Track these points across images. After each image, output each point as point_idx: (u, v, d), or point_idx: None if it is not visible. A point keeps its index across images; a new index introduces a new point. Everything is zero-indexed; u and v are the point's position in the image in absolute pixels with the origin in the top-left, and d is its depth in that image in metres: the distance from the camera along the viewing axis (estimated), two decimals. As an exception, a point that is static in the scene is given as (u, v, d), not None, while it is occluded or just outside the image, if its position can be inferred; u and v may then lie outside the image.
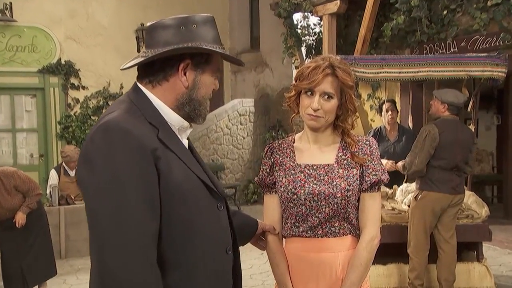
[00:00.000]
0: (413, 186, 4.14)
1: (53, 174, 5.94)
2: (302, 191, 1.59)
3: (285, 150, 1.70)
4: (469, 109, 4.46)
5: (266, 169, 1.71)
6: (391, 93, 6.57)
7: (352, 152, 1.63)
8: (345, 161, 1.63)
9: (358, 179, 1.61)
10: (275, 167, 1.69)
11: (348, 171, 1.61)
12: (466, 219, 4.11)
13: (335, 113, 1.62)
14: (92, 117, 8.49)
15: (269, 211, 1.72)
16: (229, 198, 8.69)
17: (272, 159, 1.70)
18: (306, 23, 7.84)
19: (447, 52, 6.18)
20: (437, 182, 3.73)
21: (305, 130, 1.70)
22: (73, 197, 5.92)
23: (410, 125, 4.90)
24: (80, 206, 5.76)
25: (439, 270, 3.82)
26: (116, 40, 8.67)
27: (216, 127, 8.81)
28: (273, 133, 9.11)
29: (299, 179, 1.62)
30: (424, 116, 6.42)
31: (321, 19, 7.59)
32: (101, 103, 8.59)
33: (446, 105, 3.77)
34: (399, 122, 4.93)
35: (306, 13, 7.71)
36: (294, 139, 1.73)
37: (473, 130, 4.34)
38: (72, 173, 5.91)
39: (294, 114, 1.71)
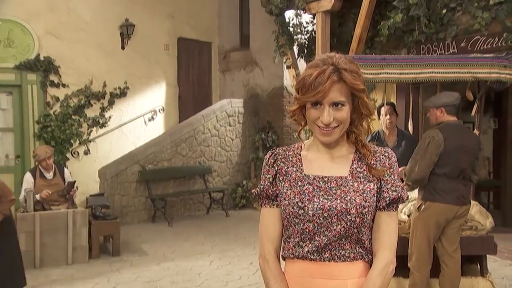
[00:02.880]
0: (413, 194, 3.88)
1: (27, 177, 5.63)
2: (310, 206, 1.42)
3: (290, 159, 1.52)
4: (473, 113, 4.24)
5: (268, 178, 1.52)
6: (387, 95, 6.34)
7: (368, 163, 1.46)
8: (361, 174, 1.46)
9: (376, 195, 1.44)
10: (278, 176, 1.51)
11: (364, 185, 1.44)
12: (469, 230, 3.89)
13: (350, 117, 1.45)
14: (73, 116, 8.11)
15: (268, 227, 1.53)
16: (217, 202, 8.50)
17: (276, 168, 1.52)
18: (299, 21, 7.60)
19: (446, 53, 5.98)
20: (442, 191, 3.51)
21: (314, 138, 1.53)
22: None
23: (410, 129, 4.70)
24: (58, 212, 5.48)
25: (442, 285, 3.60)
26: (99, 36, 8.34)
27: (204, 128, 8.59)
28: (263, 135, 8.94)
29: (307, 191, 1.45)
30: (421, 120, 6.21)
31: (314, 17, 7.40)
32: (82, 102, 8.23)
33: (442, 108, 3.59)
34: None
35: (298, 11, 7.49)
36: (301, 147, 1.55)
37: (477, 135, 4.18)
38: (49, 175, 5.65)
39: (301, 127, 1.54)
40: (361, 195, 1.43)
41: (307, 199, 1.44)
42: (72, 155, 8.14)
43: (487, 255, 4.08)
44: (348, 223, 1.41)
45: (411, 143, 4.52)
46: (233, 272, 5.12)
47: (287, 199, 1.46)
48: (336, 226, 1.41)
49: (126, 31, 8.43)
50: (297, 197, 1.45)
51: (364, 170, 1.46)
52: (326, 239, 1.42)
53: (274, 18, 7.92)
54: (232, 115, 8.95)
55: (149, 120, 9.09)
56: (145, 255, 5.86)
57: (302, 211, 1.43)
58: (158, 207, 7.67)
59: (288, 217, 1.46)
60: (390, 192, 1.45)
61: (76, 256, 5.49)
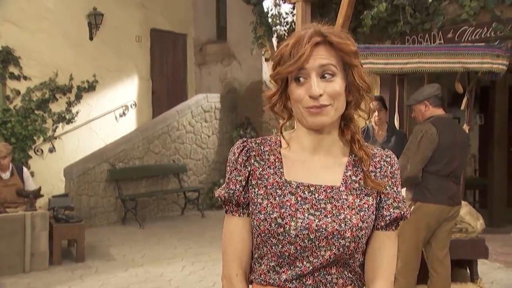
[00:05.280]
0: (399, 194, 3.63)
1: (-20, 177, 5.20)
2: (292, 224, 1.12)
3: (267, 157, 1.19)
4: (462, 107, 4.04)
5: (240, 181, 1.19)
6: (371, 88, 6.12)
7: (365, 171, 1.16)
8: (357, 184, 1.16)
9: (374, 212, 1.16)
10: (251, 180, 1.18)
11: (361, 200, 1.15)
12: (459, 233, 3.73)
13: (346, 98, 1.15)
14: (36, 111, 7.66)
15: (235, 242, 1.20)
16: (192, 202, 8.22)
17: (249, 168, 1.19)
18: (278, 11, 7.37)
19: (432, 45, 5.76)
20: (434, 191, 3.28)
21: (297, 132, 1.20)
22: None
23: (397, 124, 4.54)
24: (14, 215, 5.10)
25: None
26: (64, 26, 7.94)
27: (178, 125, 8.28)
28: (241, 131, 8.72)
29: (289, 204, 1.13)
30: (407, 115, 5.99)
31: (294, 7, 7.13)
32: (47, 95, 7.77)
33: (426, 102, 3.39)
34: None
35: (277, 0, 7.21)
36: (280, 141, 1.22)
37: (467, 131, 4.00)
38: (5, 175, 5.26)
39: (283, 122, 1.21)
40: (357, 214, 1.13)
41: (289, 214, 1.12)
42: (35, 152, 7.70)
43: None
44: (341, 249, 1.12)
45: (401, 139, 4.36)
46: (206, 278, 4.82)
47: (262, 213, 1.14)
48: (325, 251, 1.11)
49: (94, 21, 8.05)
50: (276, 211, 1.13)
51: (360, 179, 1.17)
52: (311, 266, 1.12)
53: (252, 8, 7.64)
54: (208, 110, 8.65)
55: (120, 115, 8.75)
56: (113, 260, 5.52)
57: (282, 229, 1.12)
58: (128, 208, 7.32)
59: (262, 235, 1.15)
60: (391, 210, 1.17)
61: (35, 263, 5.10)
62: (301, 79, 1.11)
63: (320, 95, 1.10)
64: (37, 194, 5.40)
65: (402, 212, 1.18)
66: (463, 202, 4.01)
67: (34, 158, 7.68)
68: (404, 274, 3.30)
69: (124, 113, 8.80)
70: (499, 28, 5.23)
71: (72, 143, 8.10)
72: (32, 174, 6.51)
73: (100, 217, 7.28)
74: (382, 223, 1.17)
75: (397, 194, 1.18)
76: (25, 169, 5.71)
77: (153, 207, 7.99)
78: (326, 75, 1.11)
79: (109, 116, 8.59)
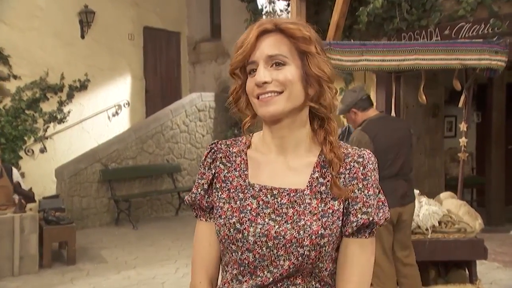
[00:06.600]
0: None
1: (-34, 179, 5.09)
2: (251, 230, 1.07)
3: (233, 158, 1.16)
4: (460, 105, 3.96)
5: (202, 184, 1.16)
6: (367, 87, 6.01)
7: (333, 177, 1.08)
8: (323, 188, 1.09)
9: (341, 217, 1.08)
10: (215, 182, 1.15)
11: (326, 204, 1.08)
12: (457, 233, 3.67)
13: (303, 90, 1.08)
14: (26, 111, 7.56)
15: (203, 248, 1.16)
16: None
17: (213, 170, 1.16)
18: (272, 9, 7.27)
19: (429, 41, 5.68)
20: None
21: (263, 131, 1.16)
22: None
23: None
24: (2, 217, 5.00)
25: None
26: (55, 24, 7.85)
27: (172, 124, 8.18)
28: (235, 131, 8.65)
29: (249, 208, 1.09)
30: (403, 113, 5.92)
31: (288, 4, 7.03)
32: (37, 95, 7.68)
33: (352, 109, 3.31)
34: None
35: None
36: (250, 143, 1.17)
37: (465, 129, 3.95)
38: None
39: (247, 118, 1.15)
40: (319, 220, 1.05)
41: (248, 219, 1.07)
42: (26, 153, 7.61)
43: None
44: (300, 258, 1.05)
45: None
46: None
47: (222, 217, 1.10)
48: (284, 261, 1.05)
49: (86, 19, 7.96)
50: (236, 216, 1.09)
51: (328, 181, 1.10)
52: (271, 277, 1.06)
53: (246, 5, 7.60)
54: (202, 109, 8.55)
55: (113, 115, 8.67)
56: (104, 262, 5.43)
57: (240, 235, 1.07)
58: (121, 209, 7.22)
59: (223, 241, 1.10)
60: (359, 215, 1.07)
61: (24, 266, 5.00)
62: (253, 71, 1.08)
63: (266, 83, 1.06)
64: (31, 197, 5.31)
65: (371, 218, 1.08)
66: (461, 202, 3.96)
67: (24, 158, 7.58)
68: (383, 284, 3.21)
69: (117, 113, 8.71)
70: (497, 24, 5.15)
71: (63, 143, 8.00)
72: (22, 175, 6.41)
73: (93, 219, 7.18)
74: (350, 230, 1.08)
75: (367, 198, 1.09)
76: (14, 170, 5.61)
77: (146, 208, 7.89)
78: (276, 64, 1.07)
79: (101, 116, 8.50)
